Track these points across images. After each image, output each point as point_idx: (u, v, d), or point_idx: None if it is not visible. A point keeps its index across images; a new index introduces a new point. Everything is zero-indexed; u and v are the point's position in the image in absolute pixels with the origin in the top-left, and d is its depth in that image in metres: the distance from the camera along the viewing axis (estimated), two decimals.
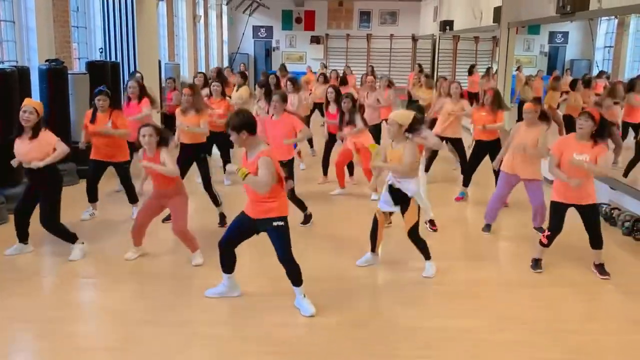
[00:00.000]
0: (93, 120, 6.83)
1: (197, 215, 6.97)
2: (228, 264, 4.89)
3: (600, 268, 5.68)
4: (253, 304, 4.93)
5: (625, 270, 5.87)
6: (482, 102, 7.96)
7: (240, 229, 4.80)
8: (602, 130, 5.35)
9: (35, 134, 5.47)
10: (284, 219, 4.65)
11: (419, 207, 5.48)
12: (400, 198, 5.47)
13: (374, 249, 5.80)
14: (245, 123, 4.49)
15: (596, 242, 5.61)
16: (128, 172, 7.20)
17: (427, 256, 5.62)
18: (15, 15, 8.67)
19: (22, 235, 5.87)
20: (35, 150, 5.45)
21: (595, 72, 12.44)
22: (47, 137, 5.55)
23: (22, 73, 7.66)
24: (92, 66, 9.96)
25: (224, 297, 4.98)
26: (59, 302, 4.98)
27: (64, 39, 9.81)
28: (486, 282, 5.51)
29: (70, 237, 5.82)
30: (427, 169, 8.38)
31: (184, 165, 6.66)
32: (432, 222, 6.96)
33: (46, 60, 8.51)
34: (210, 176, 7.03)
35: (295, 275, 4.75)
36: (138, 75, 9.26)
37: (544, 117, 6.62)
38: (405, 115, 5.42)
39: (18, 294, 5.02)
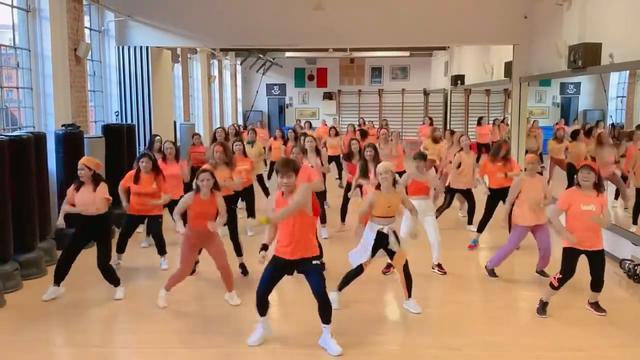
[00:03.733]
0: (137, 180, 7.33)
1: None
2: (264, 308, 5.19)
3: (596, 306, 6.00)
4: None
5: None
6: (493, 154, 8.52)
7: (276, 277, 5.10)
8: (600, 181, 5.80)
9: (96, 186, 6.25)
10: (319, 257, 5.09)
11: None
12: (382, 244, 5.84)
13: (340, 289, 6.06)
14: (296, 168, 5.00)
15: (598, 285, 5.89)
16: (160, 225, 7.59)
17: (410, 294, 6.02)
18: (34, 82, 8.85)
19: (61, 279, 6.36)
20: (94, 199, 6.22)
21: (608, 122, 12.42)
22: (102, 187, 6.31)
23: (38, 139, 7.76)
24: (108, 129, 10.10)
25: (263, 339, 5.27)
26: None
27: (80, 104, 9.97)
28: (507, 347, 5.32)
29: (116, 281, 6.46)
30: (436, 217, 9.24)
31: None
32: (439, 266, 7.35)
33: (62, 125, 8.63)
34: (236, 226, 7.33)
35: (328, 312, 5.06)
36: (157, 138, 9.48)
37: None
38: (393, 165, 6.04)
39: None
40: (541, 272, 7.11)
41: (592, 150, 10.01)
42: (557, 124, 14.37)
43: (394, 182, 5.91)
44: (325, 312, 5.06)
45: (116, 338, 5.66)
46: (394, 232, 5.90)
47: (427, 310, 6.09)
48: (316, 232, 5.42)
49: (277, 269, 5.07)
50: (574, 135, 10.95)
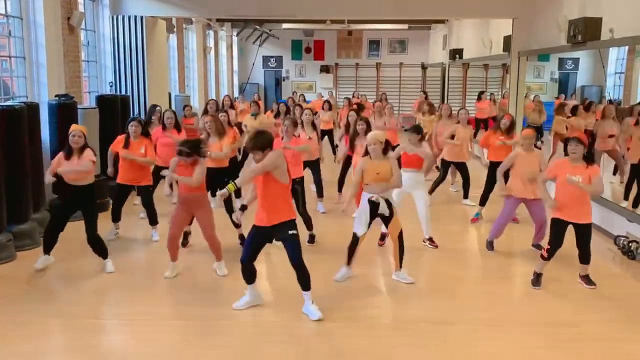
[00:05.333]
0: (127, 145, 7.28)
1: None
2: (250, 276, 5.34)
3: (587, 279, 6.07)
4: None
5: None
6: (498, 126, 8.62)
7: (257, 244, 5.25)
8: (591, 154, 5.83)
9: (80, 155, 6.16)
10: (295, 225, 5.15)
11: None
12: (378, 213, 5.94)
13: (349, 263, 6.13)
14: (270, 141, 5.07)
15: (586, 258, 5.98)
16: (151, 195, 7.59)
17: (401, 265, 6.10)
18: (26, 51, 8.71)
19: (49, 249, 6.35)
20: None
21: (606, 98, 12.37)
22: (89, 155, 6.19)
23: (32, 109, 7.67)
24: (102, 100, 9.99)
25: (250, 306, 5.40)
26: (69, 346, 4.88)
27: (74, 74, 9.85)
28: (502, 322, 5.33)
29: (105, 253, 6.42)
30: (431, 192, 9.41)
31: (207, 187, 7.01)
32: (431, 240, 7.37)
33: (56, 96, 8.53)
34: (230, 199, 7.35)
35: (304, 279, 5.19)
36: (158, 108, 9.59)
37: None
38: (383, 135, 6.04)
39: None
40: (537, 246, 7.11)
41: (593, 125, 9.99)
42: (557, 98, 14.32)
43: (386, 151, 5.96)
44: (302, 280, 5.20)
45: (110, 310, 5.66)
46: (386, 200, 5.94)
47: (422, 284, 6.13)
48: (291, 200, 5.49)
49: (256, 237, 5.22)
50: (574, 111, 11.00)
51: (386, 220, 6.02)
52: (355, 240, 6.06)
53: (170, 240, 6.17)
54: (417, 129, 7.48)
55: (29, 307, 5.50)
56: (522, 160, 6.92)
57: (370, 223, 6.06)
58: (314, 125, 8.81)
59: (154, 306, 5.60)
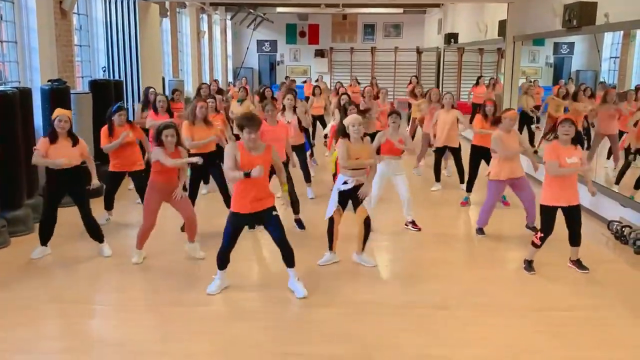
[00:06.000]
0: (112, 133, 7.27)
1: (202, 219, 6.90)
2: (225, 263, 5.46)
3: (579, 264, 6.09)
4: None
5: (638, 291, 5.72)
6: (484, 113, 8.53)
7: (237, 233, 5.34)
8: (578, 135, 5.90)
9: (75, 141, 6.21)
10: (275, 207, 5.30)
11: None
12: (350, 196, 5.97)
13: (331, 247, 6.19)
14: (260, 123, 5.20)
15: (577, 239, 6.01)
16: (145, 180, 7.36)
17: (363, 247, 6.16)
18: (18, 35, 8.63)
19: (46, 241, 6.37)
20: (78, 154, 6.18)
21: (605, 83, 12.37)
22: (83, 143, 6.31)
23: (24, 94, 7.61)
24: (95, 85, 9.92)
25: (221, 289, 5.51)
26: (64, 331, 4.89)
27: (66, 58, 9.76)
28: (495, 307, 5.36)
29: (101, 236, 6.47)
30: (437, 179, 9.74)
31: (196, 173, 7.14)
32: (413, 223, 7.45)
33: (48, 81, 8.46)
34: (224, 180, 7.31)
35: (290, 257, 5.34)
36: (152, 90, 9.63)
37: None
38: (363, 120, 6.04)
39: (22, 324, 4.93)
40: (533, 228, 7.11)
41: (596, 108, 9.98)
42: (556, 84, 14.30)
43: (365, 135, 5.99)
44: (288, 258, 5.35)
45: (105, 295, 5.66)
46: (358, 186, 5.92)
47: (414, 269, 6.15)
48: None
49: (236, 226, 5.32)
50: (575, 96, 11.02)
51: (355, 204, 5.98)
52: (331, 223, 6.09)
53: (146, 229, 6.16)
54: (398, 114, 7.40)
55: (24, 293, 5.50)
56: (505, 141, 6.94)
57: (345, 206, 6.04)
58: (294, 110, 8.73)
59: (151, 293, 5.62)
